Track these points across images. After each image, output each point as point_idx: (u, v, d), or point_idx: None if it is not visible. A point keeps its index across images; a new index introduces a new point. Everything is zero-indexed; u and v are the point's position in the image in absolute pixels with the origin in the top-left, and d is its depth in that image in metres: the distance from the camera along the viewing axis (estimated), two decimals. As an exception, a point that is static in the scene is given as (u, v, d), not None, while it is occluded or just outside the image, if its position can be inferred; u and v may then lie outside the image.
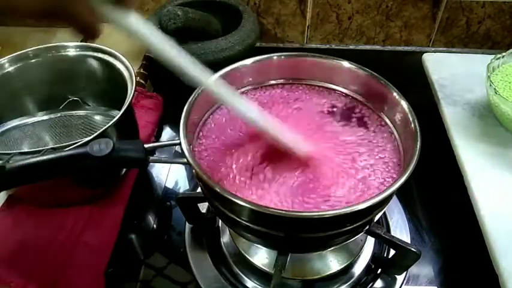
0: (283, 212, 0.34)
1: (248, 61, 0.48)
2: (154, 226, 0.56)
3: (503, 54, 0.62)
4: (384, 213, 0.54)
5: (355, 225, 0.37)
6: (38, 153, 0.36)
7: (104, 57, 0.58)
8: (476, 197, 0.52)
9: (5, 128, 0.58)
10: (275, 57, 0.49)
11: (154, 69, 0.78)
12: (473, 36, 0.84)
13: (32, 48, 0.58)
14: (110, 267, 0.50)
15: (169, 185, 0.61)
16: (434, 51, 0.81)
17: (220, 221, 0.54)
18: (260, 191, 0.39)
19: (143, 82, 0.74)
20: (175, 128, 0.70)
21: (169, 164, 0.63)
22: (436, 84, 0.69)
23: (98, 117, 0.61)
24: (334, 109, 0.48)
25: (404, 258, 0.45)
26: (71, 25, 0.32)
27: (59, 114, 0.61)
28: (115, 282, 0.50)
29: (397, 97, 0.43)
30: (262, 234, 0.38)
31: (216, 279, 0.49)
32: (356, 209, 0.33)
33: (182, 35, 0.68)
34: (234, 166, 0.42)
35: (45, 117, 0.61)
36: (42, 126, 0.60)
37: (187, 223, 0.54)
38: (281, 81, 0.50)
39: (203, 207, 0.55)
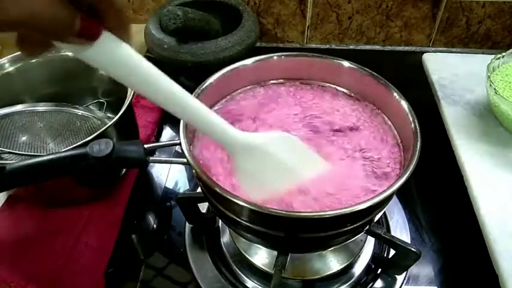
0: (283, 212, 0.34)
1: (248, 61, 0.48)
2: (154, 226, 0.56)
3: (503, 54, 0.62)
4: (384, 213, 0.54)
5: (355, 225, 0.37)
6: (35, 156, 0.36)
7: (104, 57, 0.57)
8: (476, 197, 0.52)
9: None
10: (275, 57, 0.49)
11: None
12: (473, 36, 0.84)
13: (32, 49, 0.58)
14: (110, 267, 0.50)
15: (169, 185, 0.61)
16: (434, 51, 0.81)
17: (220, 221, 0.54)
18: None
19: (143, 82, 0.74)
20: (175, 128, 0.70)
21: (169, 164, 0.63)
22: (436, 84, 0.69)
23: (98, 117, 0.61)
24: (335, 109, 0.48)
25: (405, 258, 0.45)
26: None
27: (59, 114, 0.61)
28: (115, 282, 0.50)
29: (397, 97, 0.43)
30: (262, 234, 0.38)
31: (216, 279, 0.49)
32: (356, 209, 0.33)
33: (182, 35, 0.68)
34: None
35: (45, 116, 0.61)
36: (42, 125, 0.60)
37: (187, 223, 0.54)
38: (281, 81, 0.50)
39: (203, 207, 0.55)
